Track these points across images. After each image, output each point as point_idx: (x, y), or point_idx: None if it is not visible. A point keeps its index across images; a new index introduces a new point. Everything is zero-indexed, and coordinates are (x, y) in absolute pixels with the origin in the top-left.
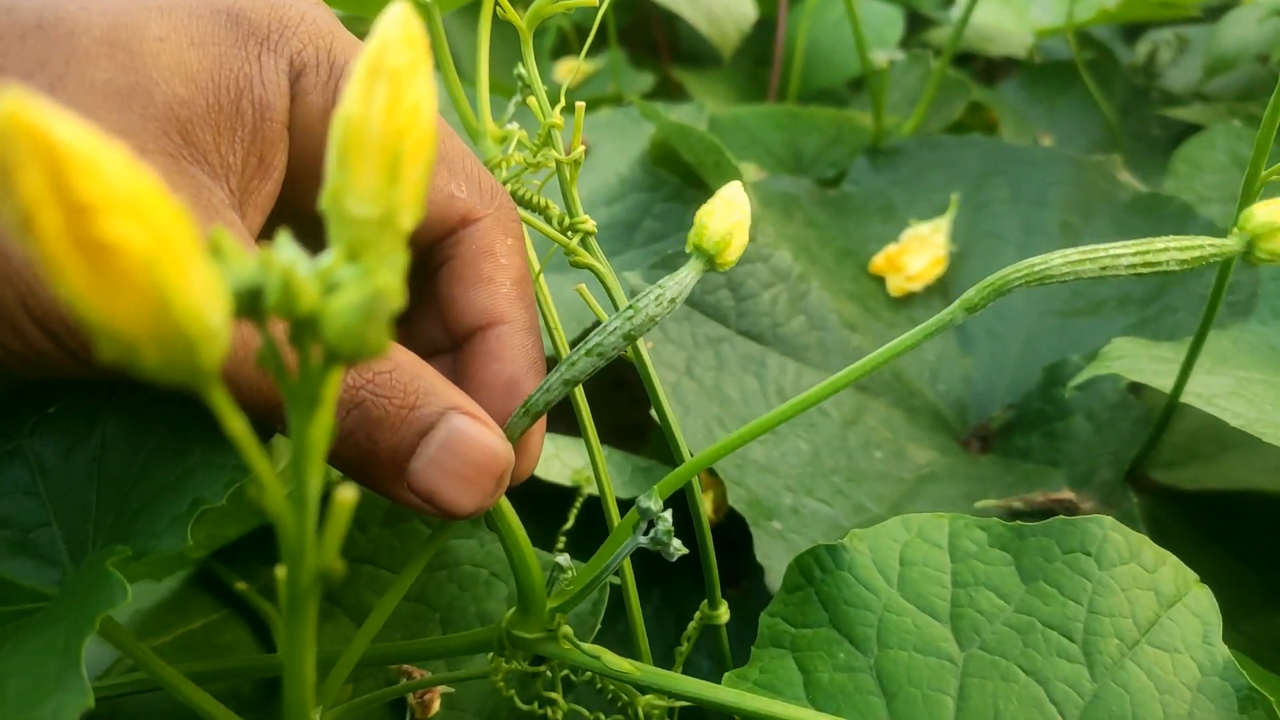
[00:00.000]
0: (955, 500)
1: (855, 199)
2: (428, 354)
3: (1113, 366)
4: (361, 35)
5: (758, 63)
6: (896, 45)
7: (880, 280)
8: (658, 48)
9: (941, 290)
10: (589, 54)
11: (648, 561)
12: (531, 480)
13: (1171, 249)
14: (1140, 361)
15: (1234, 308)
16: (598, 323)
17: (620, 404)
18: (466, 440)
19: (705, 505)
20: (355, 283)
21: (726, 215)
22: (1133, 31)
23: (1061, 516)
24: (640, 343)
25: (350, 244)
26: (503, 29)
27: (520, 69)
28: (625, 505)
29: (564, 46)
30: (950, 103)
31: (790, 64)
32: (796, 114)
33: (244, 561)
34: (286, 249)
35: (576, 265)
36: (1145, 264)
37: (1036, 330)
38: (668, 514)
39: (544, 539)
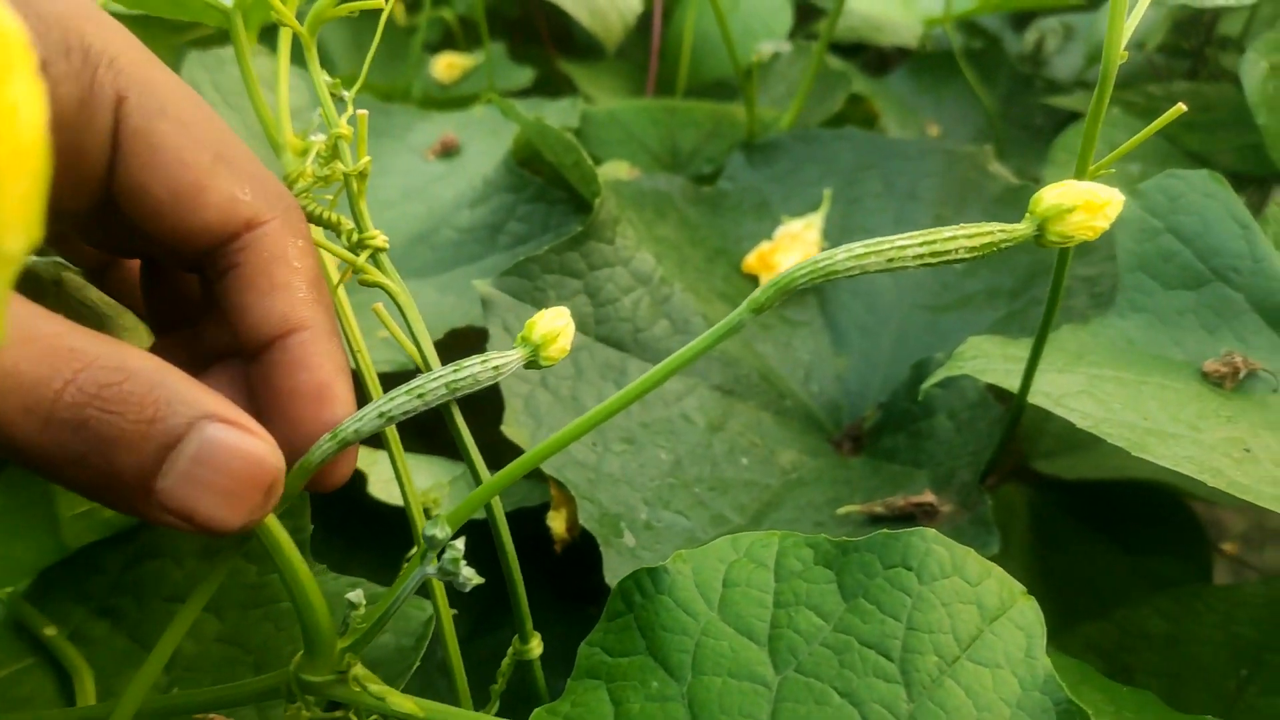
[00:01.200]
0: (820, 506)
1: (730, 196)
2: (213, 362)
3: (965, 367)
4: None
5: (650, 54)
6: (786, 36)
7: (754, 279)
8: (544, 40)
9: (815, 287)
10: (473, 47)
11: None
12: (375, 503)
13: (960, 237)
14: (993, 361)
15: (1098, 299)
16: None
17: (473, 423)
18: (223, 450)
19: (558, 524)
20: None
21: (554, 319)
22: (1021, 20)
23: (884, 530)
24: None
25: None
26: (384, 27)
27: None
28: (477, 526)
29: (448, 40)
30: (830, 95)
31: (676, 56)
32: (674, 109)
33: (58, 600)
34: None
35: (365, 284)
36: (933, 254)
37: (907, 326)
38: (458, 542)
39: (388, 568)
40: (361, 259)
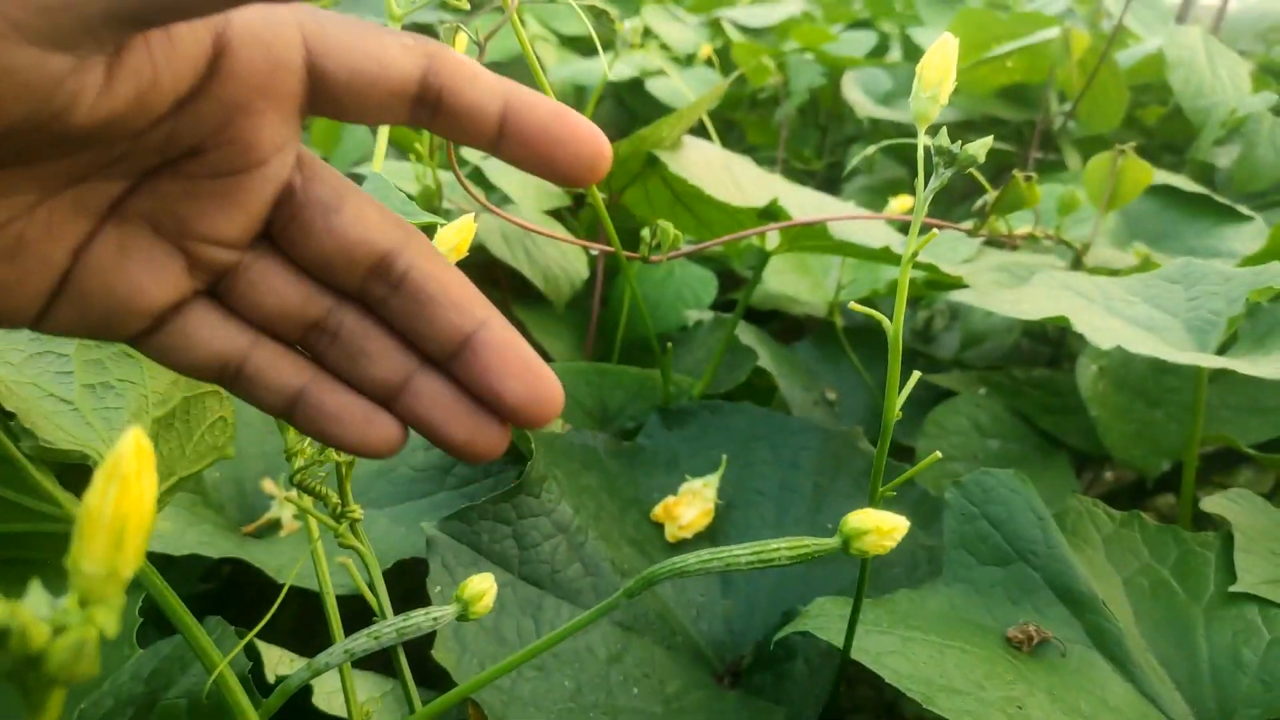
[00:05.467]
0: None
1: (646, 452)
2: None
3: (807, 625)
4: None
5: (602, 304)
6: (709, 304)
7: (659, 527)
8: (502, 287)
9: (710, 537)
10: None
11: None
12: (320, 713)
13: (783, 549)
14: (831, 621)
15: (936, 567)
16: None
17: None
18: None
19: None
20: (78, 627)
21: (481, 583)
22: (915, 299)
23: None
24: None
25: (82, 591)
26: None
27: None
28: None
29: None
30: (740, 366)
31: (616, 313)
32: (605, 371)
33: None
34: (38, 603)
35: (344, 546)
36: (762, 560)
37: (786, 575)
38: None
39: None
40: (342, 527)
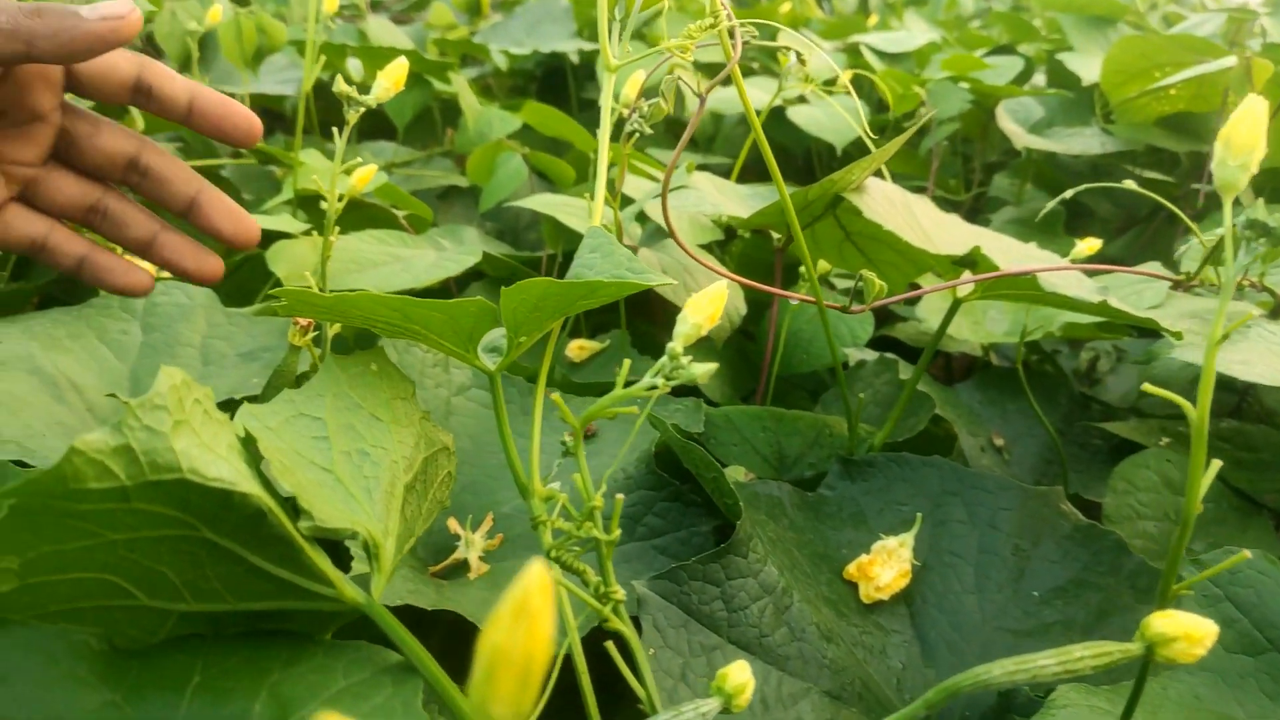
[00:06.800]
0: None
1: (830, 504)
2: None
3: (1057, 716)
4: None
5: (745, 337)
6: (865, 343)
7: (852, 586)
8: (657, 323)
9: (906, 598)
10: (598, 333)
11: None
12: None
13: (1087, 656)
14: (1079, 712)
15: None
16: None
17: None
18: None
19: None
20: None
21: (740, 673)
22: (1081, 339)
23: None
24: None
25: None
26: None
27: (567, 438)
28: None
29: (576, 329)
30: (916, 413)
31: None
32: (781, 416)
33: None
34: None
35: (607, 630)
36: (1067, 670)
37: (991, 645)
38: None
39: None
40: (606, 609)
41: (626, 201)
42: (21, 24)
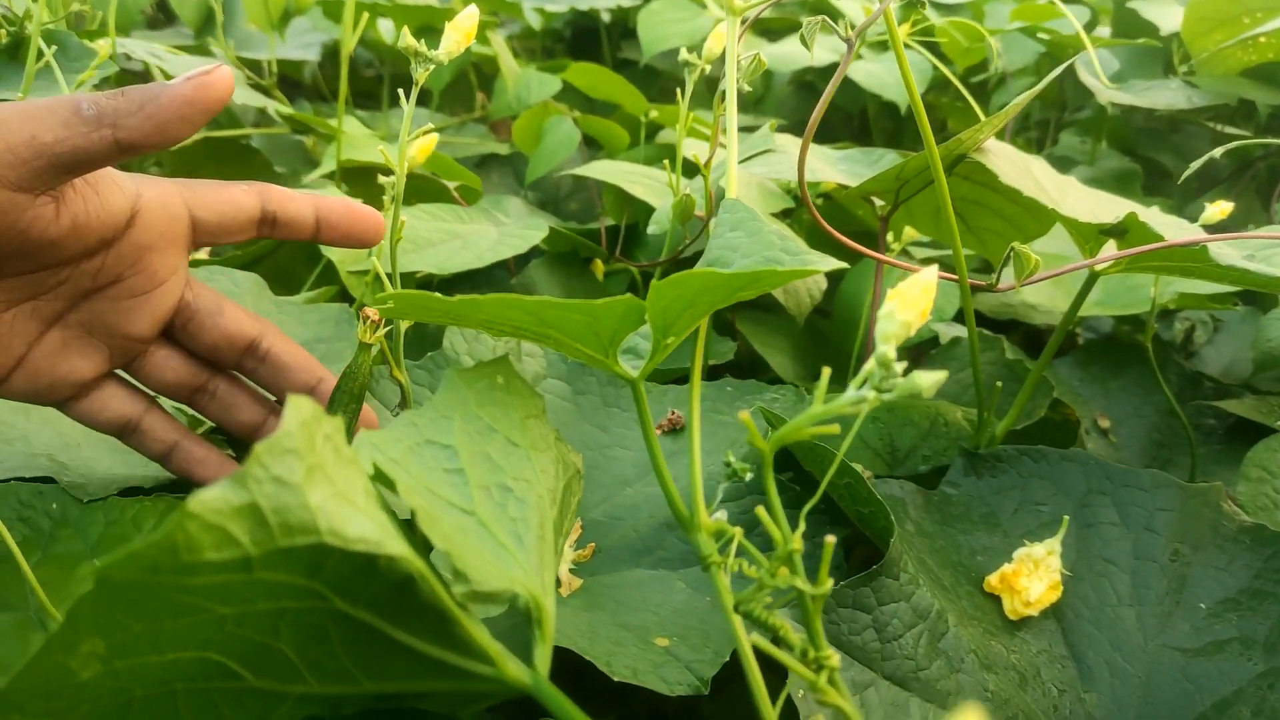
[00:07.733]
0: None
1: (956, 504)
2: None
3: None
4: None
5: (816, 312)
6: (951, 317)
7: (995, 599)
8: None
9: (1056, 613)
10: None
11: None
12: None
13: None
14: None
15: None
16: None
17: None
18: None
19: None
20: None
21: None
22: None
23: None
24: None
25: None
26: None
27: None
28: None
29: None
30: (1034, 398)
31: (843, 324)
32: (891, 407)
33: None
34: None
35: (823, 704)
36: None
37: (1157, 667)
38: None
39: None
40: (820, 679)
41: (691, 168)
42: (105, 106)
